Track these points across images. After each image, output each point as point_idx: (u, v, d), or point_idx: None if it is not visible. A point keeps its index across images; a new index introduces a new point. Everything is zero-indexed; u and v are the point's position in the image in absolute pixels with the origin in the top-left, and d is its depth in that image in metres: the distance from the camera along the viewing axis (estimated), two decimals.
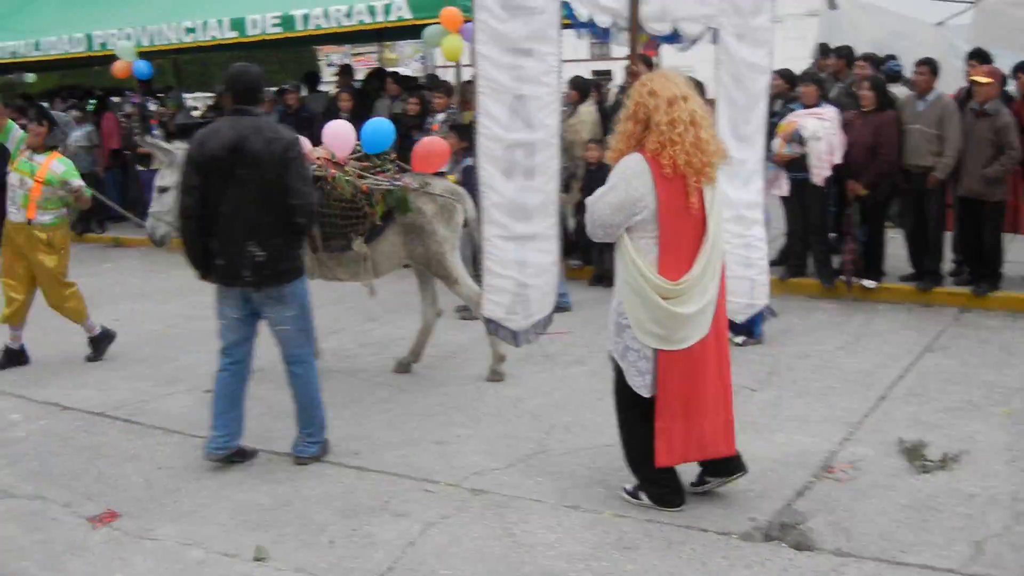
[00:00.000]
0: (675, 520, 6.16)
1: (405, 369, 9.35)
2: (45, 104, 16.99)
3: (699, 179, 5.92)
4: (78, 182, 9.83)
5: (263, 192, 6.89)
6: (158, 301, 10.89)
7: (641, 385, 6.12)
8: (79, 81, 26.22)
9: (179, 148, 9.08)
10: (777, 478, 6.74)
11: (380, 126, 9.13)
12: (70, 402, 8.89)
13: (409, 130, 13.73)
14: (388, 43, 30.93)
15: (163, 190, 8.74)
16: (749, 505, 6.35)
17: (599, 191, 6.08)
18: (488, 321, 7.32)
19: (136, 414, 8.49)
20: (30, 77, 27.25)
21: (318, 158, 8.69)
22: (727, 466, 6.45)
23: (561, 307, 10.98)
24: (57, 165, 9.82)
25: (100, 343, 10.36)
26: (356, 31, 15.26)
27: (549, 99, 6.93)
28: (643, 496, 6.39)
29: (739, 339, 9.76)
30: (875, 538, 5.85)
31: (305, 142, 8.54)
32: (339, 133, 9.04)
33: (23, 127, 10.03)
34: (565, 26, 7.15)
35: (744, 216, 8.19)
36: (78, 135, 18.21)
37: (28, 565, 6.00)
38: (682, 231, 5.96)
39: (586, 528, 6.12)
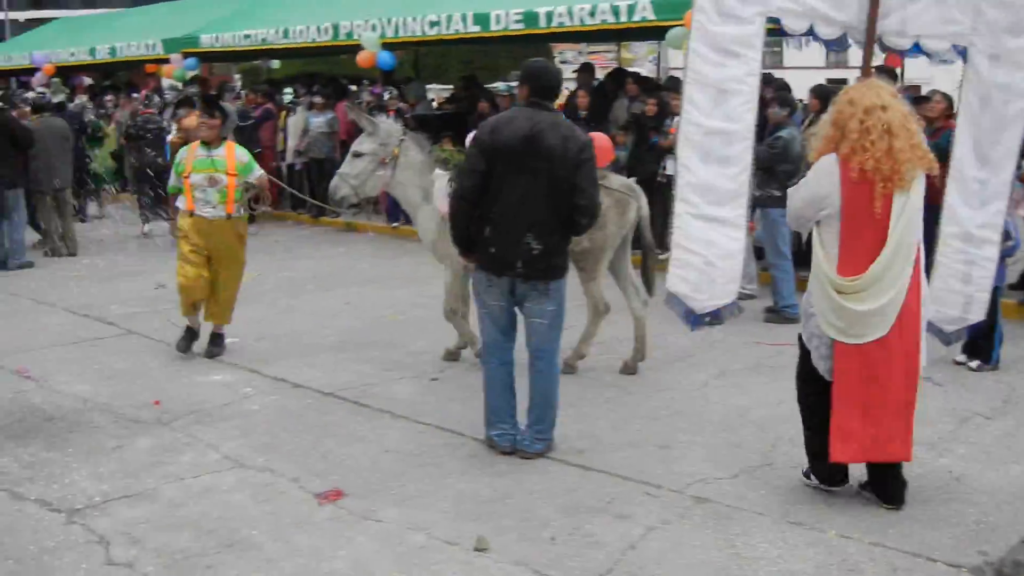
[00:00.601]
0: (902, 545, 5.93)
1: (632, 371, 9.29)
2: (229, 97, 17.45)
3: (887, 186, 6.13)
4: (261, 171, 9.96)
5: (552, 187, 6.94)
6: (388, 287, 11.12)
7: (825, 369, 6.46)
8: (320, 69, 26.96)
9: (384, 121, 9.70)
10: (1012, 512, 6.43)
11: None
12: (299, 380, 9.12)
13: (647, 131, 13.68)
14: (625, 43, 30.94)
15: (357, 155, 9.36)
16: (980, 538, 6.08)
17: (797, 185, 6.59)
18: (670, 295, 7.43)
19: (363, 396, 8.64)
20: (275, 63, 28.13)
21: None
22: (889, 491, 6.51)
23: (789, 317, 10.79)
24: (241, 154, 9.82)
25: (221, 341, 10.15)
26: (596, 30, 15.29)
27: (749, 97, 7.25)
28: (812, 477, 6.70)
29: (974, 363, 9.42)
30: None
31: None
32: None
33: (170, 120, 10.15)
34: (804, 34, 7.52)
35: (973, 235, 7.93)
36: (319, 121, 18.65)
37: (256, 534, 6.15)
38: (863, 233, 6.21)
39: (809, 546, 5.95)
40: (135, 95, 21.77)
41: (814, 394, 6.59)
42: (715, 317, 7.56)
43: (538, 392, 7.32)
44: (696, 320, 7.51)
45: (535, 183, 6.95)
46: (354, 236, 17.31)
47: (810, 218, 6.44)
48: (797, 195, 6.51)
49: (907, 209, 6.18)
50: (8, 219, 15.06)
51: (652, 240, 9.57)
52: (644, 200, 9.21)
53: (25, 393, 9.03)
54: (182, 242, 9.78)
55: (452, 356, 9.67)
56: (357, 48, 17.79)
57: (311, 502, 6.58)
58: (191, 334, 9.99)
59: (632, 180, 9.82)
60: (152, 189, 17.23)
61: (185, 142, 15.47)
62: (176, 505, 6.62)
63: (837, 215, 6.26)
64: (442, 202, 8.97)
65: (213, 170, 9.58)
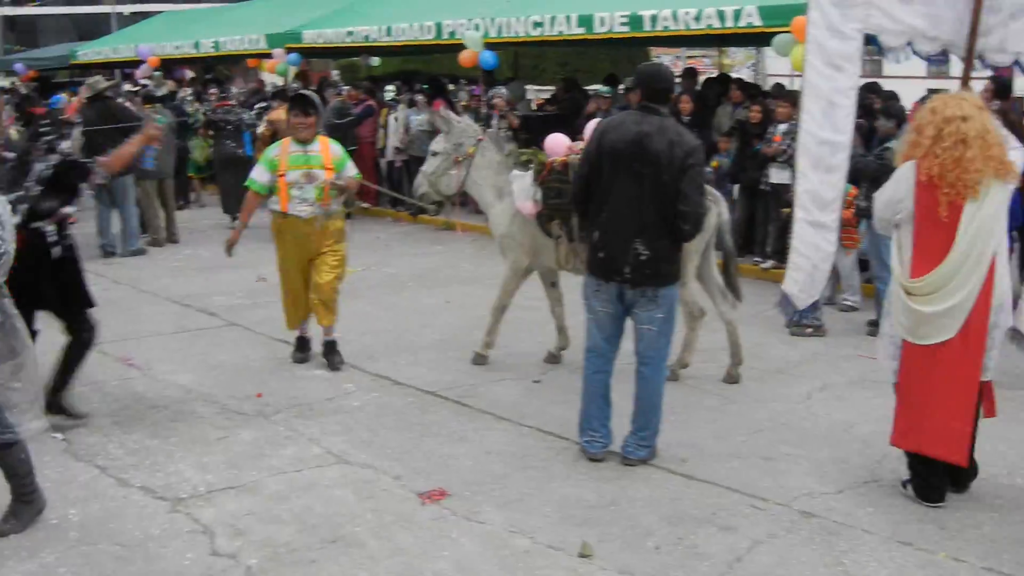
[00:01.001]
0: (1017, 572, 5.79)
1: (734, 379, 9.20)
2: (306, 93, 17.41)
3: (951, 193, 6.33)
4: (354, 170, 9.62)
5: (657, 192, 6.89)
6: (488, 287, 10.99)
7: (891, 370, 6.81)
8: (417, 67, 27.06)
9: (459, 121, 9.70)
10: None
11: None
12: (402, 378, 9.14)
13: (751, 138, 13.54)
14: (724, 48, 30.72)
15: (434, 154, 9.56)
16: None
17: (881, 188, 6.88)
18: (783, 296, 7.96)
19: (466, 397, 8.63)
20: (375, 61, 28.24)
21: (582, 149, 8.72)
22: (957, 477, 6.77)
23: None
24: (335, 148, 9.49)
25: (337, 349, 9.67)
26: (697, 35, 15.16)
27: (850, 109, 7.75)
28: (909, 488, 6.80)
29: None
30: None
31: (560, 136, 9.03)
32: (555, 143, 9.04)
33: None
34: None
35: None
36: (420, 119, 18.69)
37: (360, 531, 6.17)
38: (932, 237, 6.45)
39: (919, 568, 5.83)
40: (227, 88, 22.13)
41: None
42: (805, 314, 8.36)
43: (643, 398, 7.27)
44: (795, 317, 8.43)
45: (641, 188, 6.91)
46: (453, 234, 17.32)
47: (889, 219, 6.75)
48: (880, 198, 6.84)
49: (978, 217, 6.33)
50: (120, 207, 15.29)
51: (733, 246, 9.45)
52: (724, 206, 9.13)
53: (130, 381, 9.16)
54: (279, 247, 9.51)
55: (554, 359, 9.63)
56: (459, 47, 17.81)
57: (414, 501, 6.59)
58: (303, 343, 9.82)
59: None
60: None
61: (274, 135, 15.61)
62: (279, 498, 6.67)
63: (910, 219, 6.56)
64: (522, 203, 8.99)
65: (309, 166, 9.27)
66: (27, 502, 6.23)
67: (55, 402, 8.00)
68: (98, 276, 13.41)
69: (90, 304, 8.08)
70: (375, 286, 11.20)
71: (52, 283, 7.78)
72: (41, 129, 8.05)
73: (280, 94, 18.77)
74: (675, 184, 6.86)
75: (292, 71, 21.76)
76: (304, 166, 9.22)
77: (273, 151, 9.44)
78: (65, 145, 8.26)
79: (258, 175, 9.37)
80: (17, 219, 7.44)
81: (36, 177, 7.58)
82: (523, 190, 8.99)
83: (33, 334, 7.71)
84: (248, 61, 24.88)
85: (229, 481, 6.95)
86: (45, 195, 7.59)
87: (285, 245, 9.48)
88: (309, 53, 22.14)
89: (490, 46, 17.50)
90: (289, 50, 21.35)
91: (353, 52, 24.49)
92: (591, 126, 8.94)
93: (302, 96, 9.57)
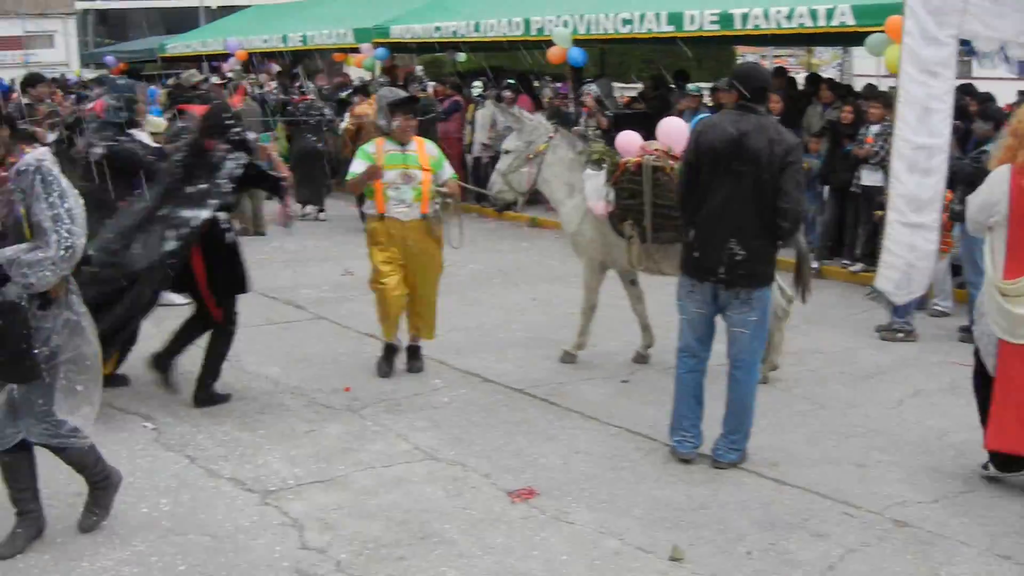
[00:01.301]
0: None
1: (766, 376, 8.83)
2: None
3: None
4: (451, 171, 9.30)
5: (756, 191, 6.82)
6: (574, 284, 10.95)
7: (992, 366, 6.81)
8: (500, 63, 27.04)
9: (531, 118, 9.67)
10: None
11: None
12: (490, 375, 9.13)
13: (842, 139, 13.38)
14: (811, 48, 30.42)
15: (506, 152, 9.62)
16: None
17: (976, 191, 6.94)
18: (876, 292, 8.51)
19: (553, 395, 8.59)
20: (461, 56, 28.29)
21: (655, 149, 8.65)
22: None
23: None
24: (430, 147, 9.17)
25: (421, 355, 9.42)
26: (787, 34, 15.01)
27: (947, 113, 8.11)
28: (990, 466, 6.98)
29: None
30: None
31: (632, 135, 8.99)
32: (675, 129, 8.87)
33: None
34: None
35: None
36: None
37: (449, 528, 6.17)
38: None
39: None
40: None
41: (987, 387, 6.90)
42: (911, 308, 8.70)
43: (735, 401, 7.20)
44: (899, 311, 8.79)
45: (739, 187, 6.84)
46: (538, 231, 17.30)
47: (982, 222, 6.76)
48: (973, 202, 6.85)
49: None
50: None
51: (807, 247, 9.31)
52: None
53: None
54: (375, 251, 8.99)
55: (642, 359, 9.57)
56: (547, 44, 17.78)
57: (503, 499, 6.58)
58: (391, 351, 9.30)
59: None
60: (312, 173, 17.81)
61: (358, 130, 15.64)
62: (368, 493, 6.69)
63: (1005, 222, 6.58)
64: (594, 202, 8.93)
65: (406, 166, 8.89)
66: (103, 487, 6.27)
67: (203, 396, 8.38)
68: None
69: (247, 288, 8.35)
70: (461, 282, 11.19)
71: (222, 269, 8.14)
72: (227, 122, 8.23)
73: (362, 89, 18.84)
74: (774, 182, 6.78)
75: (379, 66, 21.86)
76: (401, 165, 8.89)
77: (369, 148, 9.12)
78: (252, 137, 8.75)
79: (357, 167, 9.03)
80: (207, 214, 7.77)
81: (228, 175, 7.89)
82: (595, 190, 8.93)
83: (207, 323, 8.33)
84: (335, 55, 25.01)
85: (318, 475, 6.98)
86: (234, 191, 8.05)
87: (381, 248, 8.97)
88: (395, 48, 22.24)
89: (578, 43, 17.46)
90: (376, 45, 21.45)
91: (439, 48, 24.54)
92: (665, 125, 8.93)
93: (412, 99, 9.37)
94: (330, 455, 7.31)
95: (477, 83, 22.67)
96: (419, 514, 6.36)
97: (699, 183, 6.98)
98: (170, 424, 7.94)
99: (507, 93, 19.11)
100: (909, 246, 8.15)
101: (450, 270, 12.36)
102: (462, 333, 10.43)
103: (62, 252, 5.59)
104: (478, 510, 6.38)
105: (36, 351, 5.67)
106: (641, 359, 9.56)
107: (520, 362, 9.44)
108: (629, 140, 8.93)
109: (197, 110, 12.72)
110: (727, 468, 7.13)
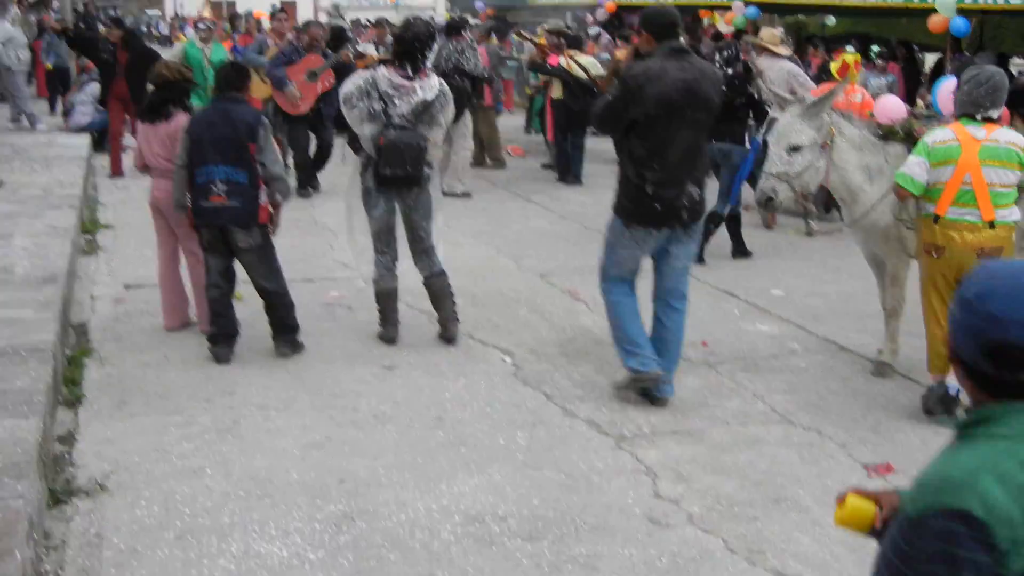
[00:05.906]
0: None
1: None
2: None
3: None
4: None
5: (705, 133, 7.34)
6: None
7: None
8: (869, 30, 26.28)
9: (806, 96, 8.46)
10: None
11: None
12: (848, 343, 8.90)
13: None
14: None
15: (794, 148, 7.57)
16: None
17: None
18: None
19: (913, 371, 8.11)
20: (831, 20, 27.68)
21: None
22: None
23: None
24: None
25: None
26: None
27: None
28: None
29: None
30: None
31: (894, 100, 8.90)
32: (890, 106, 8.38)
33: None
34: None
35: None
36: (879, 83, 18.05)
37: (803, 494, 6.13)
38: None
39: None
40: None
41: None
42: None
43: (675, 331, 7.42)
44: None
45: (696, 134, 7.11)
46: None
47: None
48: None
49: None
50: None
51: None
52: None
53: (576, 315, 9.38)
54: (929, 265, 7.21)
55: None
56: (927, 12, 17.13)
57: (860, 471, 6.46)
58: (946, 400, 7.29)
59: None
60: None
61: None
62: (722, 449, 6.70)
63: None
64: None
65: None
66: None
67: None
68: (546, 210, 13.84)
69: None
70: (822, 247, 10.92)
71: None
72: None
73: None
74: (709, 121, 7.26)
75: (748, 25, 21.58)
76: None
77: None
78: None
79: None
80: None
81: None
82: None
83: None
84: (701, 12, 24.86)
85: (673, 426, 7.03)
86: None
87: (937, 260, 7.13)
88: (765, 8, 21.91)
89: (962, 12, 16.74)
90: (747, 3, 21.19)
91: (807, 9, 24.05)
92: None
93: None
94: (686, 407, 7.35)
95: (849, 47, 22.07)
96: (773, 476, 6.34)
97: (652, 135, 6.93)
98: (529, 361, 8.16)
99: (879, 62, 18.48)
100: None
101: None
102: (821, 299, 10.23)
103: None
104: (834, 479, 6.26)
105: None
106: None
107: (880, 334, 9.11)
108: (891, 104, 8.57)
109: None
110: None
